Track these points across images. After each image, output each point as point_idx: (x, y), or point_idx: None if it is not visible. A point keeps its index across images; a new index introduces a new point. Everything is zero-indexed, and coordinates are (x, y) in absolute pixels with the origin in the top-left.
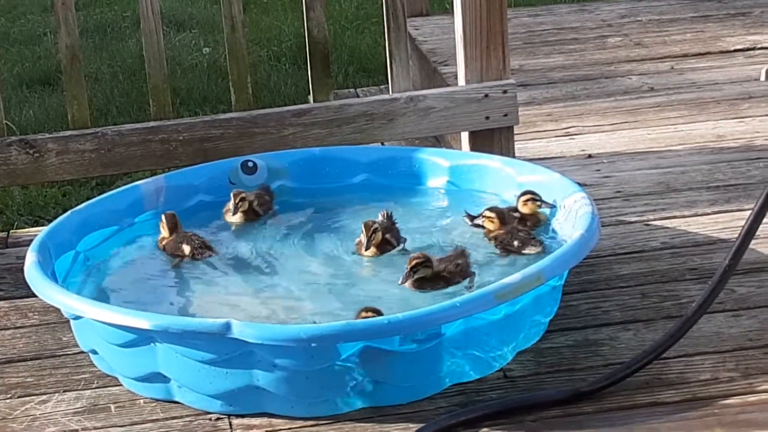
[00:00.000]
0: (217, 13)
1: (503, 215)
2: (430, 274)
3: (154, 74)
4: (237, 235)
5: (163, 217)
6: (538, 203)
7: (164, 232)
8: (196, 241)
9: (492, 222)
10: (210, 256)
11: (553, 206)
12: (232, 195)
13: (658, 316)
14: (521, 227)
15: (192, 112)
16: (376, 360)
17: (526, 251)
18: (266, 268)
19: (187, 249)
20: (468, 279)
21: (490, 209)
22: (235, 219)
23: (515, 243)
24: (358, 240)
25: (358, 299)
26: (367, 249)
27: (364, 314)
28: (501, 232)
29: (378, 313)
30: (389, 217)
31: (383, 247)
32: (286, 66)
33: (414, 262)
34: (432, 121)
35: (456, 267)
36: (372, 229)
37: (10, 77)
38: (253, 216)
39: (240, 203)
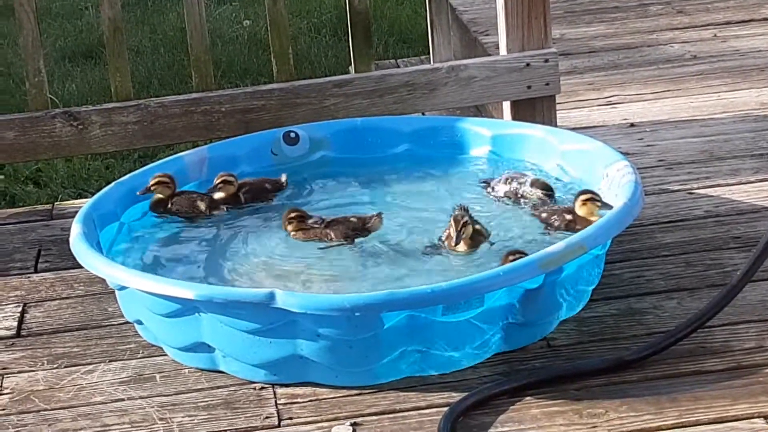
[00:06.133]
0: None
1: None
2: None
3: (196, 46)
4: (281, 201)
5: (164, 177)
6: (598, 204)
7: (165, 192)
8: (206, 198)
9: None
10: (224, 210)
11: (610, 207)
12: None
13: (702, 284)
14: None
15: (233, 85)
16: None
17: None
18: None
19: (202, 205)
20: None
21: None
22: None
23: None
24: (446, 233)
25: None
26: (457, 244)
27: (511, 257)
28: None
29: (524, 255)
30: (466, 210)
31: (476, 239)
32: (326, 38)
33: (463, 221)
34: (473, 91)
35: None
36: (462, 222)
37: (53, 51)
38: (232, 202)
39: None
